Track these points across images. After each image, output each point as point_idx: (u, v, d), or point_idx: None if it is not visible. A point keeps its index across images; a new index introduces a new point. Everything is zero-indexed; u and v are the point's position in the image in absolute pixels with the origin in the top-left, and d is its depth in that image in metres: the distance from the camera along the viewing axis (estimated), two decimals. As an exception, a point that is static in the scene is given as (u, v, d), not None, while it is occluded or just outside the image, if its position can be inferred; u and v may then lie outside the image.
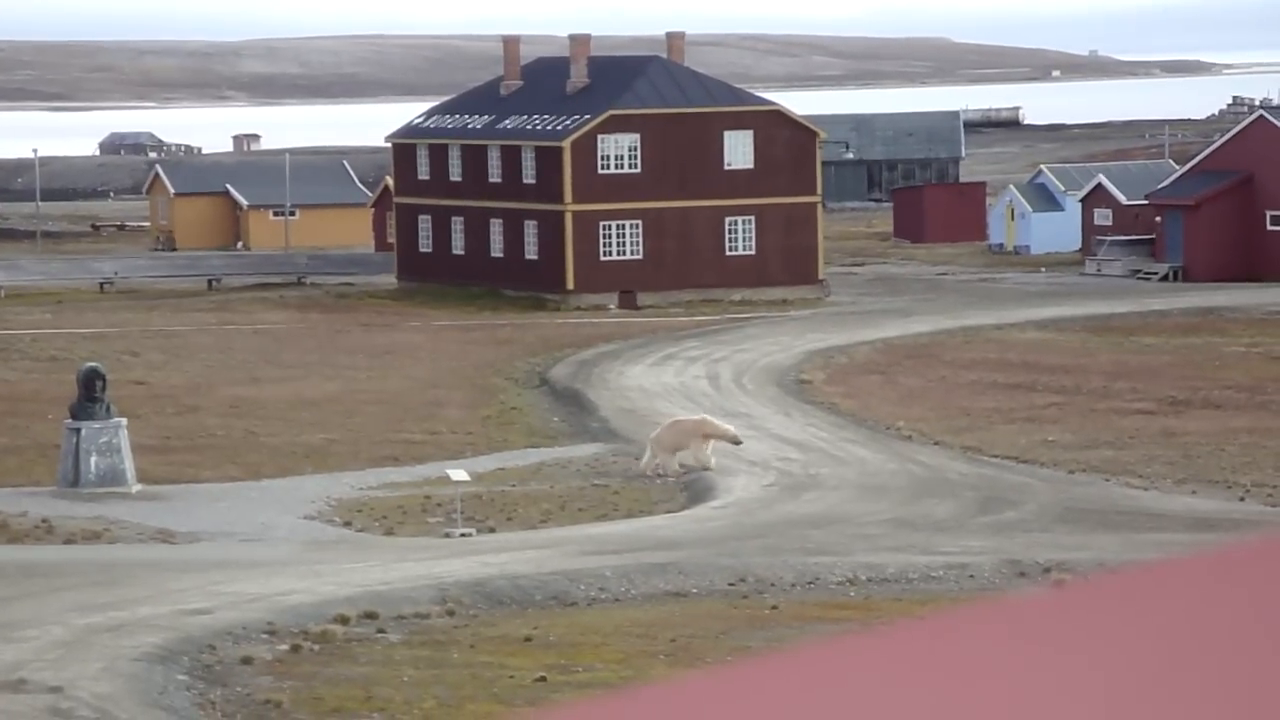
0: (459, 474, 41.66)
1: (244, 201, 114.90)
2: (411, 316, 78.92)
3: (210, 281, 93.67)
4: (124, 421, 44.48)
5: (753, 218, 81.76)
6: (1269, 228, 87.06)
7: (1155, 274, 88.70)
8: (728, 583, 34.59)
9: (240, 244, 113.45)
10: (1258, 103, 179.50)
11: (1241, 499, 42.07)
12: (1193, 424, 51.70)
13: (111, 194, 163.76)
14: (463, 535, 39.04)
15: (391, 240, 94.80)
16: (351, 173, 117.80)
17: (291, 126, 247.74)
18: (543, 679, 28.96)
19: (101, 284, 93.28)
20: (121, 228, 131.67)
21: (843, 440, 49.35)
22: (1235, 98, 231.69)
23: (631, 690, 2.35)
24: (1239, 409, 54.24)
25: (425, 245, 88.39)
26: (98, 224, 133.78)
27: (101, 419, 44.03)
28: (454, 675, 29.28)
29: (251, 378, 62.27)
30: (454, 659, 30.25)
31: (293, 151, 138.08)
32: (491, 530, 39.89)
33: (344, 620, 31.90)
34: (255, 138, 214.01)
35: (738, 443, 45.11)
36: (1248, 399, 55.81)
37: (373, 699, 28.00)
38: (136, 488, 43.86)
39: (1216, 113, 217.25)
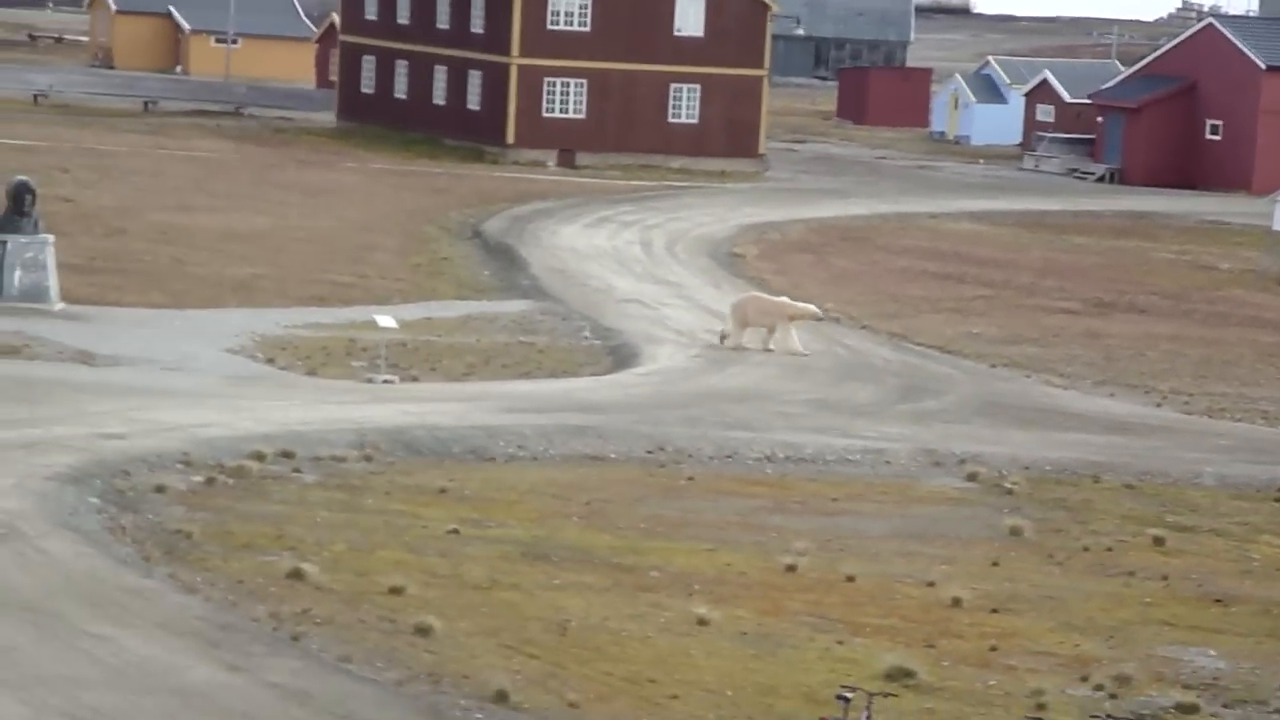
0: (386, 320, 41.57)
1: (186, 25, 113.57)
2: (348, 157, 78.41)
3: (146, 104, 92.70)
4: (51, 239, 44.10)
5: (698, 86, 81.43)
6: (1208, 136, 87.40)
7: (1092, 174, 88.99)
8: (646, 450, 34.72)
9: (179, 68, 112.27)
10: (1207, 9, 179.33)
11: (1158, 405, 42.47)
12: (1116, 327, 52.08)
13: (51, 4, 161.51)
14: (385, 382, 39.02)
15: (333, 78, 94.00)
16: (298, 5, 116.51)
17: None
18: (455, 531, 29.06)
19: (35, 96, 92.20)
20: (59, 40, 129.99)
21: (770, 316, 49.47)
22: (1185, 2, 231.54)
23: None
24: (1163, 315, 54.66)
25: (367, 86, 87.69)
26: (34, 34, 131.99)
27: (29, 234, 43.61)
28: (366, 521, 29.35)
29: (182, 205, 61.83)
30: (368, 504, 30.31)
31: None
32: (414, 379, 39.87)
33: (260, 457, 31.88)
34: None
35: (820, 318, 45.01)
36: (1172, 306, 56.23)
37: (284, 537, 28.05)
38: (59, 306, 43.59)
39: (1166, 16, 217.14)
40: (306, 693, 21.97)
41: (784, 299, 45.58)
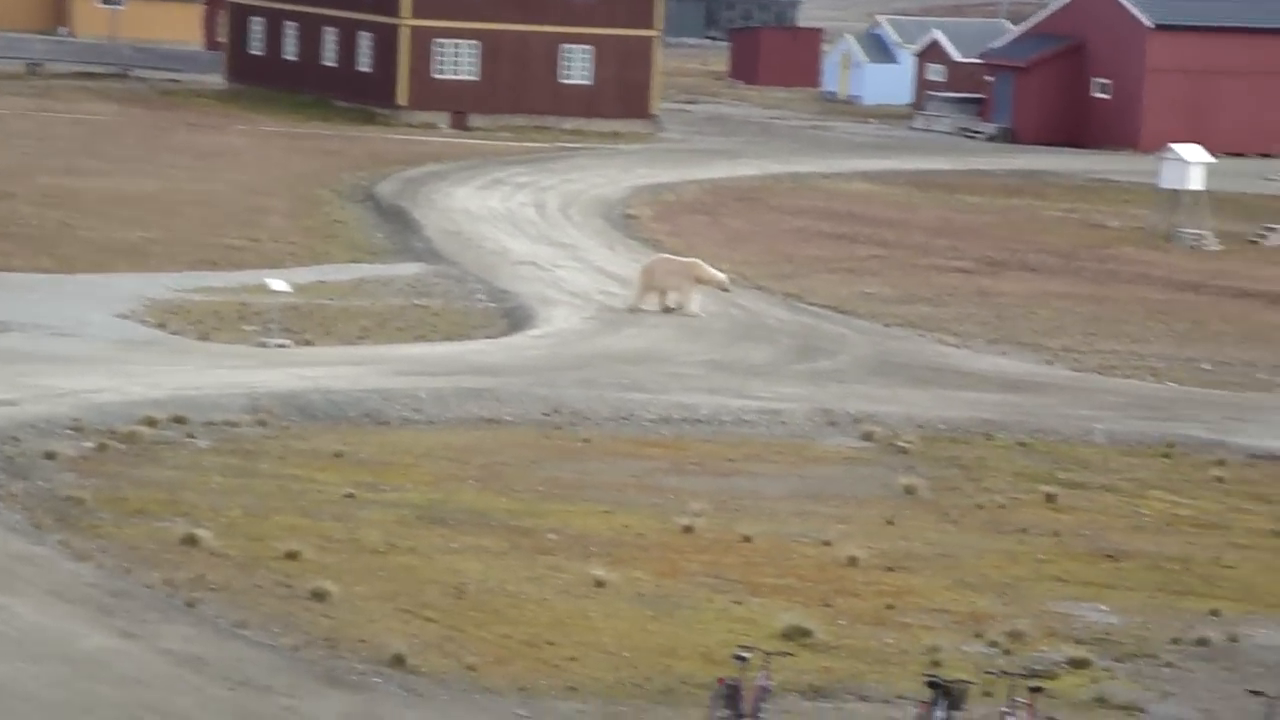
0: (278, 284, 41.30)
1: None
2: (238, 120, 77.76)
3: (30, 66, 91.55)
4: (-64, 205, 43.57)
5: (590, 47, 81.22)
6: (1096, 95, 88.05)
7: (982, 133, 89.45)
8: (542, 413, 34.69)
9: (64, 29, 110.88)
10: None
11: (1049, 363, 42.82)
12: (1008, 285, 52.44)
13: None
14: (279, 346, 38.78)
15: (221, 39, 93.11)
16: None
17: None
18: (351, 495, 28.95)
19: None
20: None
21: (664, 277, 49.38)
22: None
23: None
24: (1053, 273, 55.08)
25: (256, 48, 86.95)
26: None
27: (-87, 200, 43.04)
28: (262, 485, 29.19)
29: (69, 168, 61.16)
30: (263, 469, 30.14)
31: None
32: (308, 343, 39.64)
33: (152, 422, 31.63)
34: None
35: (726, 289, 44.50)
36: (1062, 264, 56.67)
37: (178, 503, 27.86)
38: (-55, 273, 43.08)
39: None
40: (201, 659, 21.84)
41: (695, 260, 45.37)
